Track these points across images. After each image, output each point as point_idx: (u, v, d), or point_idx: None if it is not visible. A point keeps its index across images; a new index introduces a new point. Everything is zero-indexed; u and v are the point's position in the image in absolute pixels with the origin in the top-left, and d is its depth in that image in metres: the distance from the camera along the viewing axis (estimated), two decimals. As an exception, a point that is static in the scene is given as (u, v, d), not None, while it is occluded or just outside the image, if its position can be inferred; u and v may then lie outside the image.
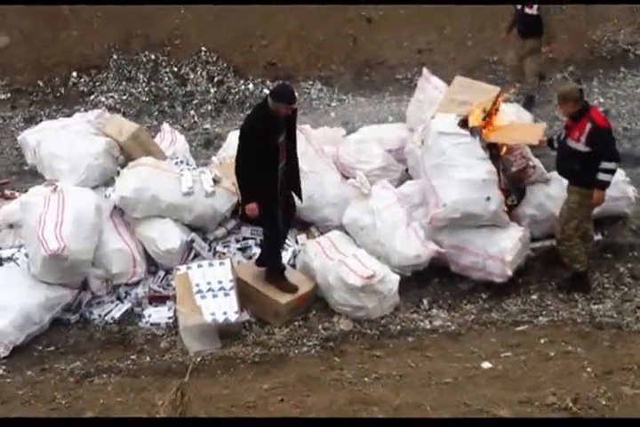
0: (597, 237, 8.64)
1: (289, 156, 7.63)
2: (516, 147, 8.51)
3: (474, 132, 8.21)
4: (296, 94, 7.67)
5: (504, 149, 8.44)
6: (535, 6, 10.68)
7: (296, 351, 7.51)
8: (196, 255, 8.47)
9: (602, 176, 7.60)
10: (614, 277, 8.26)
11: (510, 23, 11.01)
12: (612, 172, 7.65)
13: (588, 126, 7.55)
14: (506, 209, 8.25)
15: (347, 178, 8.85)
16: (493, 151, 8.29)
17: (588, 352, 6.86)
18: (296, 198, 7.96)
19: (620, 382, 6.08)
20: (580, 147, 7.62)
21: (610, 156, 7.60)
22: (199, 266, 8.03)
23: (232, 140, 9.62)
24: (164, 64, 12.29)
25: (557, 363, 6.67)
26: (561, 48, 11.84)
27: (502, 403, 5.88)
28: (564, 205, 7.92)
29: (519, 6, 10.83)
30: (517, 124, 8.76)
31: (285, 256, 8.29)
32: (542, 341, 7.21)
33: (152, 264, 8.52)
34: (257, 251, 8.44)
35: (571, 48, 12.10)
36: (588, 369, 6.42)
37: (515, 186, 8.47)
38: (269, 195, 7.53)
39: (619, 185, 8.63)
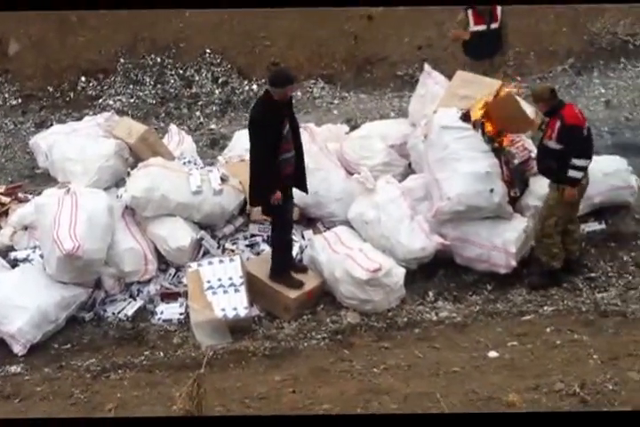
0: (601, 225, 8.73)
1: (296, 146, 7.74)
2: (518, 139, 8.57)
3: (476, 125, 8.25)
4: None
5: (506, 141, 8.47)
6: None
7: (306, 344, 7.62)
8: (206, 253, 8.55)
9: (571, 173, 7.66)
10: (618, 266, 8.30)
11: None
12: (581, 169, 7.68)
13: (558, 124, 7.64)
14: (509, 201, 8.29)
15: (351, 174, 8.93)
16: (496, 144, 8.33)
17: (594, 340, 6.93)
18: (298, 192, 8.07)
19: (626, 368, 6.18)
20: (553, 144, 7.71)
21: (579, 153, 7.65)
22: (210, 263, 8.14)
23: (238, 139, 9.76)
24: (169, 67, 12.33)
25: (564, 351, 6.74)
26: (560, 40, 11.95)
27: (510, 390, 5.95)
28: (544, 202, 8.00)
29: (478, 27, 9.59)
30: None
31: (293, 251, 8.35)
32: (548, 329, 7.29)
33: (163, 262, 8.61)
34: (265, 247, 8.55)
35: (570, 40, 12.11)
36: (595, 356, 6.50)
37: (518, 178, 8.50)
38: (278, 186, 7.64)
39: (621, 174, 8.75)
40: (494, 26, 9.60)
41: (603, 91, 11.44)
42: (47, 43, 12.51)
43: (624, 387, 5.84)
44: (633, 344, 6.65)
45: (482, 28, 9.57)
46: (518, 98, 8.41)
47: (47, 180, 9.84)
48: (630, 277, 8.16)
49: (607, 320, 7.39)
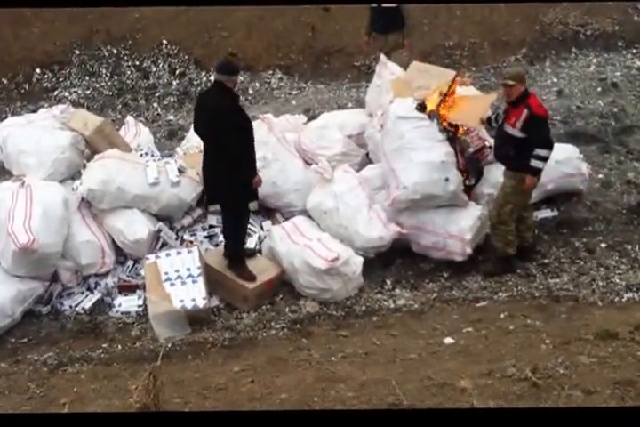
0: (553, 212, 8.86)
1: None
2: (472, 128, 8.63)
3: (431, 115, 8.31)
4: None
5: (461, 130, 8.53)
6: None
7: (264, 334, 7.64)
8: (164, 244, 8.56)
9: (534, 163, 7.70)
10: (570, 252, 8.41)
11: (369, 24, 10.66)
12: (545, 159, 7.73)
13: (525, 113, 7.65)
14: (464, 189, 8.36)
15: (309, 164, 8.97)
16: (450, 133, 8.39)
17: (547, 325, 7.01)
18: None
19: (577, 352, 6.23)
20: (516, 133, 7.73)
21: (543, 143, 7.70)
22: (167, 255, 8.14)
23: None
24: (125, 58, 12.32)
25: (517, 336, 6.81)
26: (513, 31, 12.07)
27: (464, 375, 6.00)
28: (500, 190, 8.04)
29: (374, 4, 10.41)
30: (465, 98, 8.65)
31: (251, 242, 8.41)
32: (502, 315, 7.36)
33: (121, 254, 8.60)
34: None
35: (523, 31, 12.25)
36: (547, 341, 6.57)
37: (472, 166, 8.57)
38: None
39: (573, 162, 8.86)
40: (388, 5, 10.27)
41: (555, 80, 11.57)
42: (0, 35, 12.41)
43: (574, 371, 5.91)
44: (584, 329, 6.72)
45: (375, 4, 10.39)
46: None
47: (1, 172, 9.73)
48: (582, 263, 8.27)
49: (559, 305, 7.49)
